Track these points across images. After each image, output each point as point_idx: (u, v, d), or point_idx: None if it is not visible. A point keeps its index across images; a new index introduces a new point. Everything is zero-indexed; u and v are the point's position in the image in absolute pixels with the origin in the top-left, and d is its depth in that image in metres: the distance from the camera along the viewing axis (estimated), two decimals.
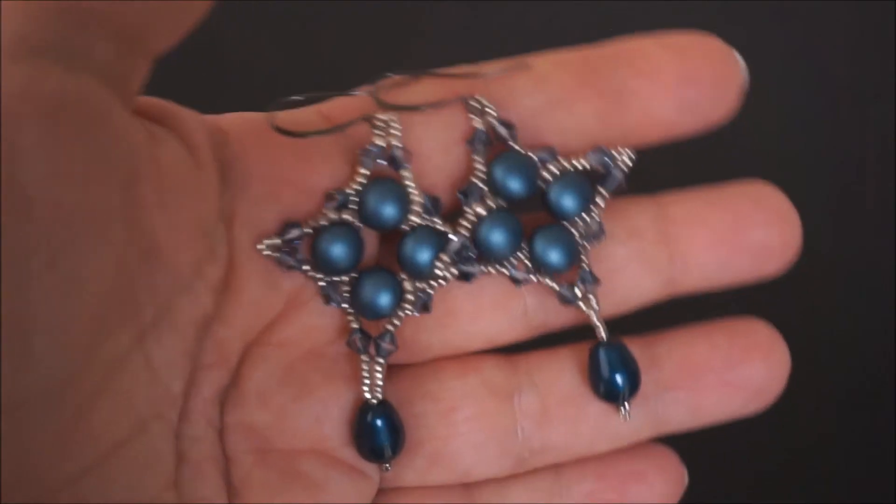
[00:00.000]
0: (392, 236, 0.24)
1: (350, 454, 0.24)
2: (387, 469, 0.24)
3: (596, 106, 0.24)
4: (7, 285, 0.17)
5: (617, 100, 0.24)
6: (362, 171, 0.23)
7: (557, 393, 0.24)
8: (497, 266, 0.24)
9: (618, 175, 0.24)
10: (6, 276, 0.17)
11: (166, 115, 0.22)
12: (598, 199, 0.24)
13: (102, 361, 0.19)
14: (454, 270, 0.23)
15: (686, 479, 0.25)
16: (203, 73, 0.39)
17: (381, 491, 0.24)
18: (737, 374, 0.24)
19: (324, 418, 0.23)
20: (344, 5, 0.39)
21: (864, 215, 0.38)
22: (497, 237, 0.23)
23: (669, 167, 0.28)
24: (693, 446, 0.26)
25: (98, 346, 0.19)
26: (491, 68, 0.24)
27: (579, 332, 0.25)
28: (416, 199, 0.23)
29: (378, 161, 0.23)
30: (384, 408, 0.23)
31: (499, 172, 0.24)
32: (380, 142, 0.23)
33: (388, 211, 0.23)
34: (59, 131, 0.18)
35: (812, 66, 0.39)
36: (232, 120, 0.23)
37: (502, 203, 0.24)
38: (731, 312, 0.25)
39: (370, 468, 0.24)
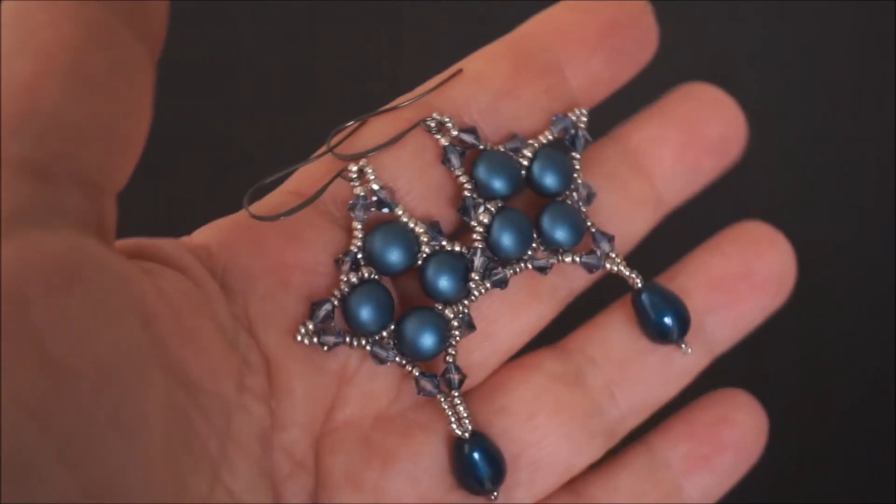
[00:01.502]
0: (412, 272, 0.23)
1: (458, 497, 0.23)
2: (495, 497, 0.23)
3: (538, 85, 0.25)
4: (79, 455, 0.16)
5: (554, 73, 0.25)
6: (357, 224, 0.23)
7: (615, 358, 0.25)
8: (522, 265, 0.24)
9: (582, 134, 0.25)
10: (77, 448, 0.16)
11: (146, 251, 0.21)
12: (576, 163, 0.25)
13: None
14: (488, 285, 0.23)
15: (764, 413, 0.26)
16: (208, 75, 0.38)
17: None
18: (757, 272, 0.26)
19: (419, 475, 0.23)
20: (344, 5, 0.39)
21: (864, 215, 0.39)
22: (508, 240, 0.24)
23: None
24: None
25: (182, 495, 0.18)
26: (429, 85, 0.24)
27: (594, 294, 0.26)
28: (418, 230, 0.23)
29: (368, 210, 0.23)
30: (477, 439, 0.23)
31: (482, 177, 0.24)
32: (360, 191, 0.23)
33: (396, 253, 0.23)
34: (66, 293, 0.17)
35: (812, 67, 0.40)
36: (207, 233, 0.23)
37: (497, 203, 0.24)
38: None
39: (480, 501, 0.23)
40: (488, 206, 0.24)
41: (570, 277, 0.25)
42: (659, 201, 0.26)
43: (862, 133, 0.40)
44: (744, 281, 0.25)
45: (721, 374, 0.26)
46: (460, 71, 0.25)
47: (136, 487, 0.17)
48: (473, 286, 0.23)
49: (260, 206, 0.23)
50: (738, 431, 0.25)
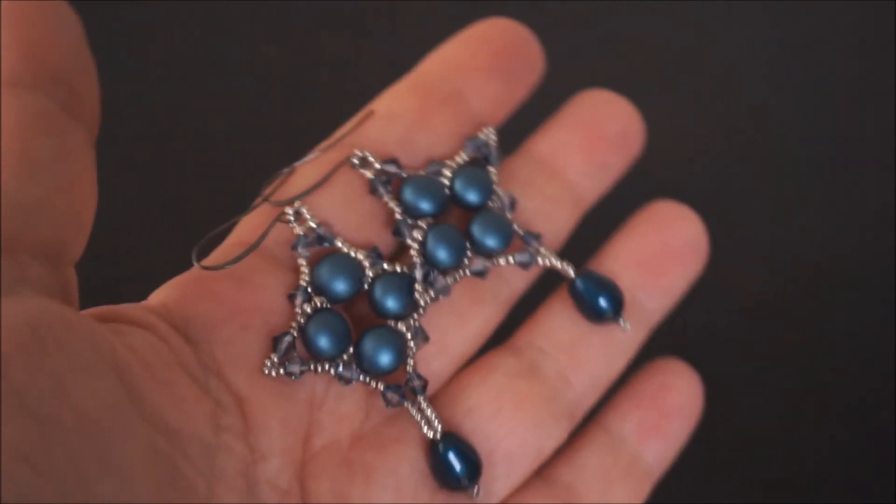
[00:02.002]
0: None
1: (442, 499, 0.24)
2: (477, 493, 0.25)
3: (445, 113, 0.27)
4: (78, 500, 0.17)
5: (458, 100, 0.27)
6: (302, 261, 0.25)
7: (562, 345, 0.26)
8: (461, 272, 0.26)
9: (494, 151, 0.27)
10: (74, 493, 0.17)
11: (109, 315, 0.22)
12: (493, 176, 0.27)
13: None
14: (432, 293, 0.25)
15: (699, 378, 0.28)
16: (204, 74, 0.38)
17: None
18: (673, 245, 0.28)
19: (402, 484, 0.24)
20: (343, 5, 0.39)
21: (864, 215, 0.40)
22: (443, 252, 0.25)
23: (672, 169, 0.30)
24: (696, 446, 0.28)
25: None
26: (345, 128, 0.27)
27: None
28: (359, 257, 0.25)
29: (310, 246, 0.25)
30: (449, 439, 0.24)
31: (410, 200, 0.26)
32: (300, 230, 0.25)
33: (342, 282, 0.25)
34: (39, 350, 0.18)
35: (812, 67, 0.41)
36: (163, 293, 0.24)
37: (428, 221, 0.26)
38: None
39: (464, 500, 0.25)
40: (420, 223, 0.25)
41: (509, 280, 0.27)
42: (576, 200, 0.28)
43: (862, 133, 0.41)
44: (663, 255, 0.28)
45: (723, 375, 0.27)
46: (372, 112, 0.27)
47: None
48: (418, 296, 0.25)
49: (207, 261, 0.24)
50: (679, 397, 0.27)
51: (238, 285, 0.24)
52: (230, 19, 0.41)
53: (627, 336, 0.27)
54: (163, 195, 0.36)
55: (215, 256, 0.25)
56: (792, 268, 0.38)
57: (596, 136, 0.28)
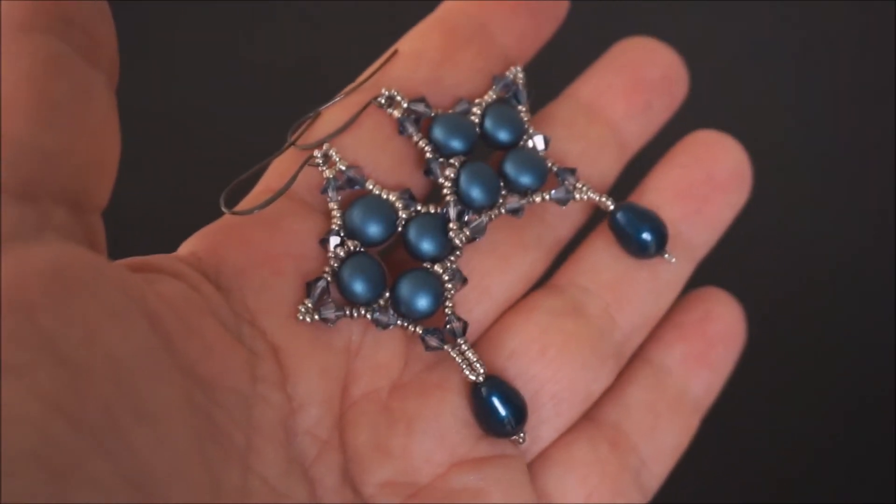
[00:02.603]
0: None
1: (486, 447, 0.23)
2: (523, 440, 0.24)
3: (471, 50, 0.26)
4: (112, 448, 0.17)
5: (483, 36, 0.26)
6: (332, 205, 0.24)
7: (606, 282, 0.26)
8: (496, 211, 0.25)
9: (523, 88, 0.26)
10: (109, 441, 0.16)
11: (139, 265, 0.22)
12: (524, 115, 0.26)
13: (228, 498, 0.19)
14: (467, 231, 0.24)
15: (740, 305, 0.27)
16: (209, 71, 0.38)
17: (535, 459, 0.24)
18: (717, 174, 0.27)
19: (444, 432, 0.23)
20: (343, 5, 0.39)
21: (864, 215, 0.40)
22: (477, 190, 0.24)
23: None
24: (697, 446, 0.27)
25: (217, 485, 0.19)
26: (370, 69, 0.26)
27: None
28: (392, 199, 0.24)
29: (341, 189, 0.24)
30: (492, 381, 0.23)
31: (440, 139, 0.25)
32: (329, 173, 0.24)
33: (375, 225, 0.24)
34: (68, 297, 0.17)
35: (812, 67, 0.41)
36: (193, 242, 0.23)
37: (460, 159, 0.25)
38: None
39: (509, 447, 0.24)
40: (452, 161, 0.25)
41: (554, 226, 0.26)
42: (621, 144, 0.27)
43: (862, 133, 0.41)
44: (707, 185, 0.27)
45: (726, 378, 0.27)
46: (396, 51, 0.26)
47: (170, 479, 0.17)
48: (453, 235, 0.24)
49: (238, 208, 0.24)
50: (722, 324, 0.26)
51: (269, 231, 0.23)
52: (232, 17, 0.41)
53: (673, 270, 0.26)
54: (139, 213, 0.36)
55: (244, 205, 0.24)
56: (792, 268, 0.38)
57: (638, 80, 0.27)
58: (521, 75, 0.26)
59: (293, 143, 0.24)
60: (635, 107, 0.27)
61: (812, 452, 0.37)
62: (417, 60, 0.26)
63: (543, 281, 0.26)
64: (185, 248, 0.23)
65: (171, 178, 0.38)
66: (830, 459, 0.37)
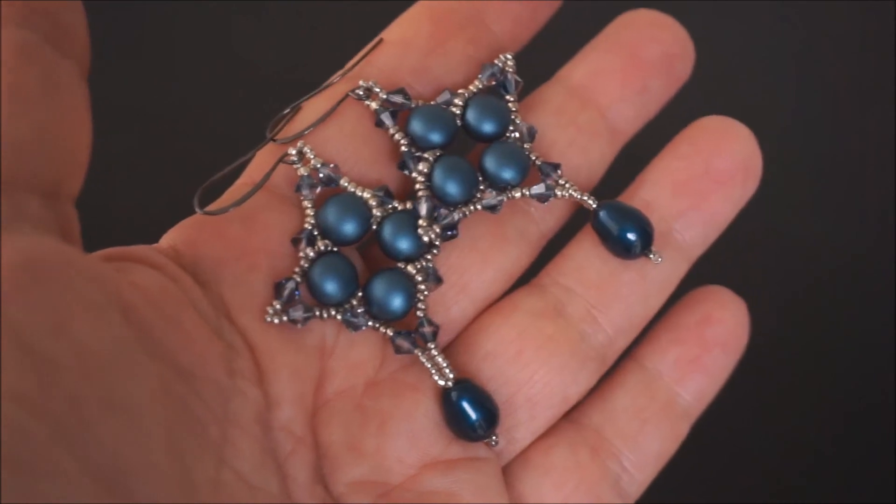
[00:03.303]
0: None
1: (458, 450, 0.23)
2: (495, 442, 0.23)
3: (462, 37, 0.25)
4: (77, 439, 0.16)
5: (476, 22, 0.25)
6: (306, 203, 0.23)
7: (591, 283, 0.25)
8: (472, 207, 0.24)
9: (512, 77, 0.25)
10: (74, 432, 0.16)
11: (116, 256, 0.22)
12: (511, 105, 0.25)
13: (200, 491, 0.19)
14: (437, 228, 0.24)
15: (745, 306, 0.26)
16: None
17: (513, 462, 0.24)
18: (718, 167, 0.25)
19: (417, 433, 0.23)
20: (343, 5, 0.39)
21: (864, 215, 0.39)
22: (452, 185, 0.24)
23: None
24: (698, 446, 0.26)
25: (188, 477, 0.19)
26: (355, 59, 0.25)
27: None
28: (366, 196, 0.24)
29: (315, 188, 0.23)
30: (462, 386, 0.23)
31: (418, 131, 0.24)
32: (304, 171, 0.24)
33: (350, 224, 0.23)
34: (37, 287, 0.17)
35: (812, 67, 0.40)
36: (171, 235, 0.23)
37: (436, 153, 0.24)
38: None
39: (483, 450, 0.23)
40: (426, 155, 0.24)
41: (537, 219, 0.25)
42: (614, 131, 0.26)
43: (862, 133, 0.40)
44: (705, 179, 0.25)
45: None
46: (381, 40, 0.25)
47: (140, 472, 0.17)
48: (422, 232, 0.23)
49: (218, 202, 0.24)
50: (722, 328, 0.25)
51: (246, 226, 0.23)
52: (232, 17, 0.41)
53: (663, 271, 0.25)
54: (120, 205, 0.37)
55: (224, 197, 0.24)
56: (792, 267, 0.38)
57: (636, 59, 0.26)
58: (510, 63, 0.25)
59: (272, 139, 0.24)
60: (630, 89, 0.26)
61: (812, 453, 0.37)
62: (405, 49, 0.25)
63: (529, 277, 0.25)
64: (165, 240, 0.23)
65: (156, 172, 0.39)
66: (830, 460, 0.37)
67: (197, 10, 0.40)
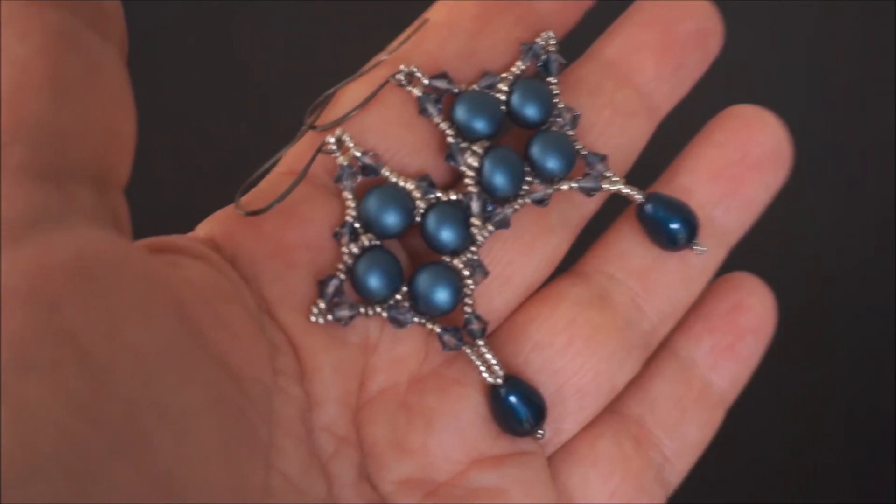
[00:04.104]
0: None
1: (505, 444, 0.23)
2: (541, 436, 0.23)
3: (508, 17, 0.24)
4: (133, 449, 0.16)
5: (522, 2, 0.24)
6: (347, 194, 0.23)
7: (634, 271, 0.24)
8: (521, 201, 0.24)
9: (554, 58, 0.24)
10: (130, 442, 0.16)
11: (163, 246, 0.21)
12: (554, 88, 0.24)
13: (252, 498, 0.19)
14: (491, 227, 0.23)
15: (772, 293, 0.26)
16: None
17: (556, 453, 0.24)
18: (752, 153, 0.25)
19: (463, 428, 0.23)
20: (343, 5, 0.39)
21: (864, 215, 0.39)
22: (501, 179, 0.23)
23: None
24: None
25: (242, 485, 0.18)
26: (395, 43, 0.24)
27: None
28: (409, 187, 0.23)
29: (356, 177, 0.23)
30: (511, 383, 0.23)
31: (462, 119, 0.23)
32: (343, 160, 0.23)
33: (392, 216, 0.23)
34: (92, 288, 0.17)
35: (812, 67, 0.40)
36: (209, 226, 0.23)
37: (484, 144, 0.23)
38: None
39: (529, 443, 0.23)
40: (475, 148, 0.23)
41: (578, 203, 0.25)
42: (650, 109, 0.25)
43: (862, 133, 0.40)
44: (741, 165, 0.25)
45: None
46: (427, 20, 0.24)
47: (194, 482, 0.17)
48: (476, 231, 0.23)
49: (256, 192, 0.23)
50: (753, 315, 0.25)
51: (283, 220, 0.22)
52: (233, 18, 0.40)
53: (704, 258, 0.25)
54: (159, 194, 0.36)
55: (262, 188, 0.23)
56: (792, 267, 0.38)
57: (670, 35, 0.25)
58: (552, 42, 0.24)
59: (311, 127, 0.23)
60: (666, 67, 0.25)
61: (811, 455, 0.37)
62: (450, 30, 0.24)
63: (566, 261, 0.25)
64: (201, 230, 0.22)
65: (156, 172, 0.38)
66: (830, 460, 0.37)
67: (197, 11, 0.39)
